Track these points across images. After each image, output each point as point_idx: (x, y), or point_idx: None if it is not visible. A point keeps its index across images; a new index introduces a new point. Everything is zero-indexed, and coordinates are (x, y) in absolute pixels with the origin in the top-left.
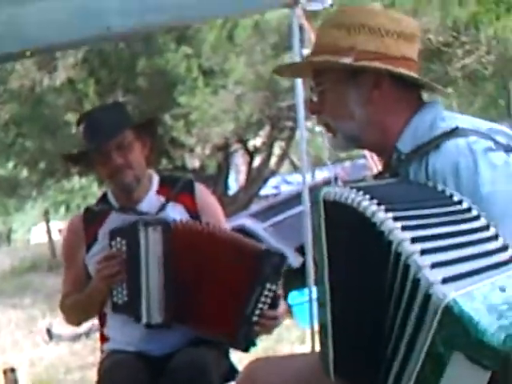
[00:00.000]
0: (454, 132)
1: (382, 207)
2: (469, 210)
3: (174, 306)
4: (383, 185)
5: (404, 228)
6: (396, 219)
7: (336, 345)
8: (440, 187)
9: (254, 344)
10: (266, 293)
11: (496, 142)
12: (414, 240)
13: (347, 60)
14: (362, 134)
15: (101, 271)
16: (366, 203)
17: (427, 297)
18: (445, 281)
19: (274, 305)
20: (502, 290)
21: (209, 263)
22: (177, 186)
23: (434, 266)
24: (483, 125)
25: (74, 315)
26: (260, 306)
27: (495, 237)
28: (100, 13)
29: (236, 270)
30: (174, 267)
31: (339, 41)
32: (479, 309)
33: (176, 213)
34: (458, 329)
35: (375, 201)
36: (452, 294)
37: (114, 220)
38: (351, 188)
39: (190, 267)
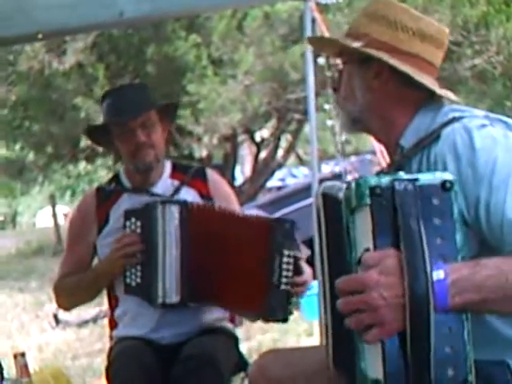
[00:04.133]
0: (450, 121)
1: None
2: None
3: (191, 285)
4: None
5: None
6: None
7: (334, 338)
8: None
9: (291, 312)
10: (285, 259)
11: (493, 121)
12: None
13: (356, 44)
14: (363, 119)
15: (118, 250)
16: None
17: None
18: None
19: (298, 270)
20: None
21: (225, 241)
22: (189, 172)
23: None
24: (480, 112)
25: (71, 297)
26: (284, 273)
27: None
28: None
29: (252, 244)
30: (192, 246)
31: (360, 27)
32: None
33: (189, 196)
34: None
35: None
36: None
37: (127, 201)
38: None
39: (208, 246)
